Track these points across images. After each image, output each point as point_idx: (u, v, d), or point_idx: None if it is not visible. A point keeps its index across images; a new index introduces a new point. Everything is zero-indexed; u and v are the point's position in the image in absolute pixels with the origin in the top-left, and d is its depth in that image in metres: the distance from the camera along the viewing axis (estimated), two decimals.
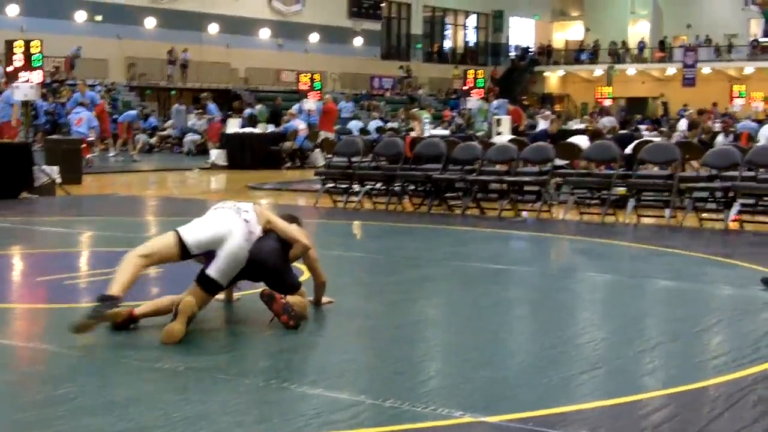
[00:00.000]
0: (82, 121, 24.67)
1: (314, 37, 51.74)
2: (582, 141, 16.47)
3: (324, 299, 7.35)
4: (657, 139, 18.84)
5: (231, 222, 6.65)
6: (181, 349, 6.05)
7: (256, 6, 49.23)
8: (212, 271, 6.50)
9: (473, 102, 31.57)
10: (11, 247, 11.44)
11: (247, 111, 34.80)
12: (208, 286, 6.52)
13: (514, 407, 4.89)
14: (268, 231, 6.84)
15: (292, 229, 6.97)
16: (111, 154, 29.49)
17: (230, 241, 6.52)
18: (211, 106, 31.05)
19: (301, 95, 32.69)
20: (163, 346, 6.06)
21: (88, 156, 24.94)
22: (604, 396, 5.16)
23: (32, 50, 18.98)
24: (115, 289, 6.30)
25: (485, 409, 4.84)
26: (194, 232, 6.58)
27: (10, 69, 19.42)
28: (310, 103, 30.33)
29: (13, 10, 39.82)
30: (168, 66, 44.96)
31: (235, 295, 7.35)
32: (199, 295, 6.47)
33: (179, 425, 4.58)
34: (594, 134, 16.97)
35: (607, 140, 15.69)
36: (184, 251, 6.54)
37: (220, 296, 7.07)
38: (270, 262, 6.74)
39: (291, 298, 6.64)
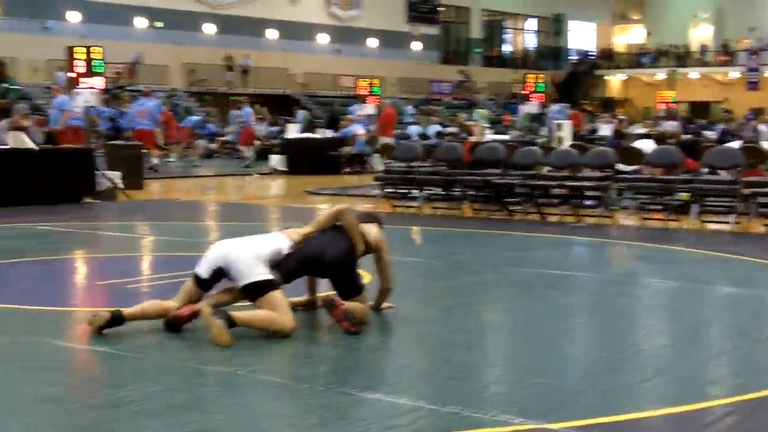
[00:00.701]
0: (145, 114, 24.88)
1: (372, 42, 51.80)
2: (648, 145, 16.32)
3: (384, 304, 7.34)
4: (736, 144, 18.54)
5: (240, 239, 6.78)
6: (241, 353, 6.06)
7: (314, 11, 49.41)
8: (244, 280, 6.54)
9: (533, 106, 31.44)
10: (74, 251, 11.56)
11: (299, 116, 34.98)
12: (261, 289, 6.52)
13: (574, 414, 4.83)
14: (329, 231, 6.92)
15: (325, 214, 7.04)
16: (172, 159, 29.70)
17: (239, 250, 6.60)
18: (245, 110, 31.18)
19: (359, 100, 32.69)
20: (222, 350, 6.07)
21: (155, 161, 25.13)
22: (666, 404, 5.09)
23: (94, 56, 19.15)
24: (126, 310, 6.60)
25: (545, 415, 4.78)
26: (201, 262, 6.75)
27: (72, 75, 19.60)
28: (369, 108, 30.34)
29: (74, 17, 40.28)
30: (226, 72, 45.22)
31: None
32: (269, 301, 6.49)
33: (238, 429, 4.58)
34: (660, 138, 16.78)
35: (670, 145, 15.52)
36: (199, 280, 6.69)
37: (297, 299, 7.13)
38: (334, 259, 6.78)
39: (351, 304, 6.63)
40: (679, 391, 5.39)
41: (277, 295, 6.52)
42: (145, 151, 23.64)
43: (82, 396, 5.19)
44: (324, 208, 15.30)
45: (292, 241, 6.83)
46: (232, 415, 4.76)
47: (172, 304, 6.72)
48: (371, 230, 7.13)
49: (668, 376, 5.69)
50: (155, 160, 25.38)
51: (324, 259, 6.78)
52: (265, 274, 6.53)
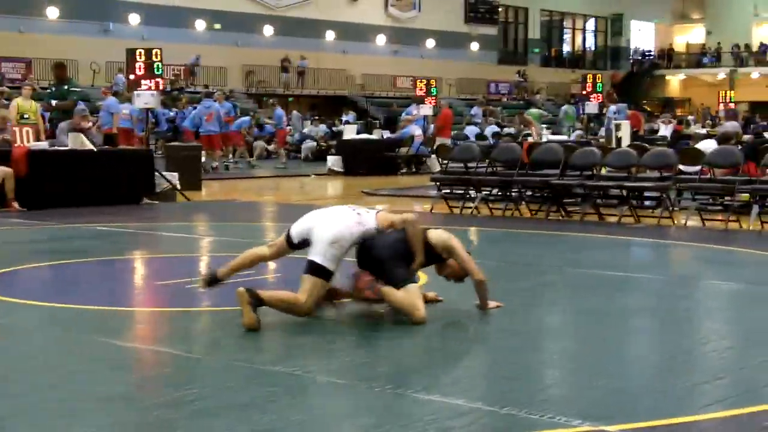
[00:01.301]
0: (212, 117, 25.04)
1: (430, 43, 51.78)
2: (713, 146, 16.14)
3: (492, 303, 7.33)
4: None
5: (333, 213, 7.02)
6: (299, 353, 6.10)
7: (373, 12, 49.48)
8: (311, 255, 6.82)
9: (592, 107, 31.19)
10: (133, 252, 11.68)
11: (346, 117, 35.09)
12: (314, 270, 6.77)
13: (634, 416, 4.80)
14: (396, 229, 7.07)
15: (394, 219, 7.13)
16: (232, 161, 29.85)
17: (324, 228, 6.83)
18: (278, 112, 31.24)
19: (416, 101, 32.68)
20: (281, 351, 6.13)
21: (215, 163, 25.28)
22: (726, 406, 5.04)
23: (153, 59, 19.29)
24: (220, 270, 7.12)
25: (605, 418, 4.76)
26: (297, 223, 7.05)
27: (132, 77, 19.76)
28: (426, 109, 30.33)
29: (134, 19, 40.66)
30: (282, 74, 45.34)
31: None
32: (310, 282, 6.76)
33: (297, 429, 4.60)
34: (723, 139, 16.56)
35: (730, 145, 15.35)
36: (289, 241, 7.03)
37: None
38: (379, 252, 6.95)
39: (398, 293, 6.75)
40: (740, 393, 5.34)
41: (316, 281, 6.78)
42: (204, 152, 23.82)
43: (144, 395, 5.24)
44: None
45: (377, 227, 7.02)
46: (291, 415, 4.79)
47: (264, 250, 7.29)
48: (435, 235, 7.21)
49: (728, 378, 5.64)
50: (215, 162, 25.53)
51: (374, 254, 6.97)
52: (327, 260, 6.76)
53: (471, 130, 31.19)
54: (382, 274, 6.94)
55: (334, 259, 6.77)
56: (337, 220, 6.90)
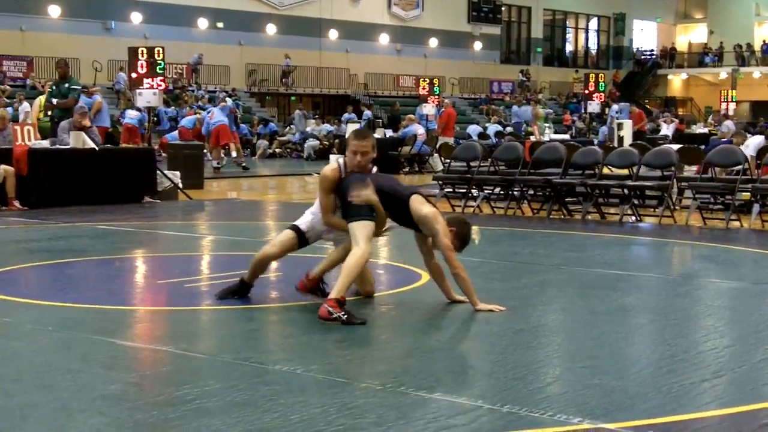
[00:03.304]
0: (214, 115, 25.14)
1: (433, 42, 51.74)
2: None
3: (487, 306, 7.35)
4: None
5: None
6: (299, 352, 6.10)
7: (376, 11, 49.43)
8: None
9: (593, 106, 31.21)
10: (134, 250, 11.68)
11: (366, 114, 35.02)
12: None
13: (633, 414, 4.81)
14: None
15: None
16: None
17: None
18: (207, 114, 31.10)
19: (420, 100, 32.71)
20: (281, 350, 6.12)
21: (215, 163, 25.22)
22: (725, 404, 5.05)
23: (155, 57, 19.30)
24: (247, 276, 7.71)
25: (604, 416, 4.76)
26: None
27: (134, 75, 19.79)
28: (429, 108, 30.35)
29: (136, 18, 40.64)
30: (282, 80, 45.20)
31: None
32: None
33: (297, 427, 4.60)
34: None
35: (732, 145, 15.34)
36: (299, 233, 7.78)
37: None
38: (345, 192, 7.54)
39: (345, 268, 6.96)
40: (738, 391, 5.35)
41: (286, 231, 7.83)
42: (210, 149, 23.86)
43: (143, 394, 5.24)
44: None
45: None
46: (292, 414, 4.79)
47: (270, 250, 7.86)
48: (416, 207, 7.43)
49: (728, 376, 5.64)
50: (215, 163, 25.48)
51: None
52: (301, 221, 7.82)
53: (473, 129, 31.23)
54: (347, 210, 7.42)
55: (305, 219, 7.86)
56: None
